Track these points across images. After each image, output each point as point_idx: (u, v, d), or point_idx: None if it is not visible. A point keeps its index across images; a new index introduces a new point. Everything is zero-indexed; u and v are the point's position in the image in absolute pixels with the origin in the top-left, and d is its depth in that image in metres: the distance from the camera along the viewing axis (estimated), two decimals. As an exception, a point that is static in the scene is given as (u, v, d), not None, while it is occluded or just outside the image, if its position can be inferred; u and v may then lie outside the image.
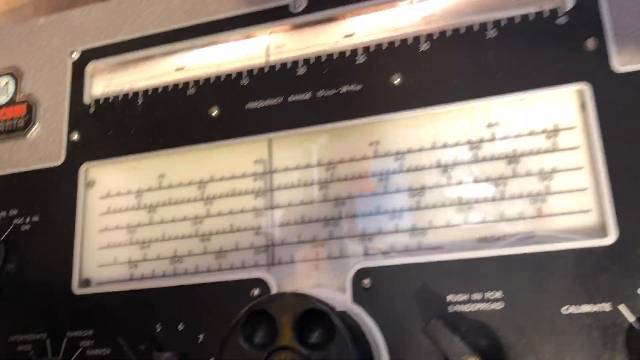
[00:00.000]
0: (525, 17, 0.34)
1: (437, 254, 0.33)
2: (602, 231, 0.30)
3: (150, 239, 0.39)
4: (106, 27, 0.43)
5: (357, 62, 0.36)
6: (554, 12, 0.33)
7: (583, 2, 0.33)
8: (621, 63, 0.32)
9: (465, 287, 0.31)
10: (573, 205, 0.32)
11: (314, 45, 0.38)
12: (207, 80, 0.39)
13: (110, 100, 0.41)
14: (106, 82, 0.42)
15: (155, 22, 0.42)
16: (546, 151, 0.33)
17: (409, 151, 0.35)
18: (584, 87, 0.32)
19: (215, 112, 0.38)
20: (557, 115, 0.33)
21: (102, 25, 0.43)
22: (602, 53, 0.32)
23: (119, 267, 0.39)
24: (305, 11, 0.38)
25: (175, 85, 0.40)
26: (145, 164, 0.40)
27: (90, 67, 0.43)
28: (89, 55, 0.43)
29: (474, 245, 0.33)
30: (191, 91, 0.40)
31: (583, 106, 0.32)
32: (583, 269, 0.30)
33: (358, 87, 0.36)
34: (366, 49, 0.36)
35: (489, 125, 0.34)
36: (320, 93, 0.37)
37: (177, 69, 0.41)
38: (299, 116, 0.37)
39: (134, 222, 0.40)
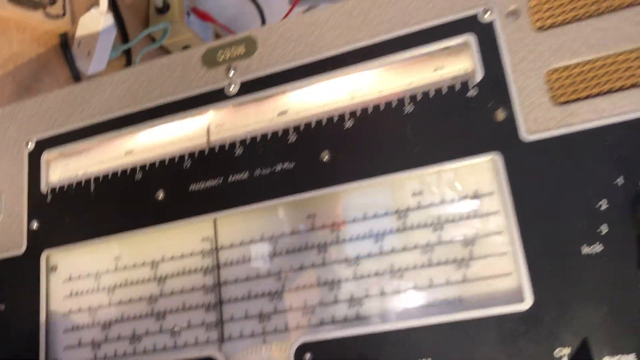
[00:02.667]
0: (438, 91, 0.36)
1: (372, 326, 0.34)
2: (521, 295, 0.32)
3: (111, 319, 0.41)
4: (58, 116, 0.45)
5: (289, 142, 0.38)
6: (464, 85, 0.35)
7: (491, 74, 0.35)
8: (528, 132, 0.33)
9: (398, 356, 0.33)
10: (495, 269, 0.33)
11: (251, 124, 0.40)
12: (153, 164, 0.41)
13: (65, 188, 0.43)
14: (61, 170, 0.45)
15: (103, 109, 0.44)
16: (468, 217, 0.34)
17: (343, 222, 0.37)
18: (496, 157, 0.34)
19: (161, 196, 0.40)
20: (477, 181, 0.35)
21: (54, 114, 0.45)
22: (511, 123, 0.34)
23: (83, 349, 0.41)
24: (239, 93, 0.40)
25: (124, 172, 0.42)
26: (101, 248, 0.42)
27: (45, 156, 0.45)
28: (43, 145, 0.45)
29: (408, 314, 0.34)
30: (138, 176, 0.42)
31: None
32: (505, 335, 0.31)
33: (291, 165, 0.38)
34: (296, 128, 0.38)
35: (414, 194, 0.36)
36: (257, 172, 0.39)
37: (127, 153, 0.43)
38: (239, 195, 0.39)
39: (94, 304, 0.42)
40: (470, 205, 0.34)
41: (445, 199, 0.35)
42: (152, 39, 0.89)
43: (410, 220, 0.35)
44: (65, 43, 0.72)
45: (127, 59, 0.82)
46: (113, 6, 0.80)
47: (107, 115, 0.44)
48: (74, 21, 0.72)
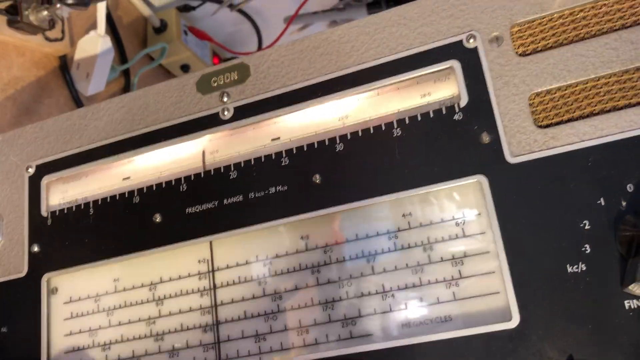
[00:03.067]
0: (426, 115, 0.37)
1: (366, 345, 0.35)
2: (509, 313, 0.33)
3: (110, 340, 0.42)
4: (57, 142, 0.46)
5: (282, 164, 0.39)
6: (450, 109, 0.36)
7: (476, 98, 0.36)
8: (512, 154, 0.34)
9: (390, 374, 0.34)
10: (484, 288, 0.34)
11: (245, 148, 0.41)
12: (150, 188, 0.42)
13: (65, 212, 0.45)
14: (61, 195, 0.46)
15: (100, 134, 0.45)
16: (456, 237, 0.35)
17: (336, 243, 0.38)
18: (481, 179, 0.35)
19: (158, 219, 0.41)
20: (465, 202, 0.36)
21: (53, 140, 0.47)
22: (496, 146, 0.35)
23: (83, 370, 0.42)
24: (234, 118, 0.41)
25: (122, 195, 0.43)
26: (101, 270, 0.43)
27: (45, 181, 0.46)
28: (43, 170, 0.46)
29: (399, 333, 0.35)
30: (136, 199, 0.43)
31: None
32: (493, 353, 0.32)
33: (284, 188, 0.39)
34: (289, 151, 0.39)
35: (404, 216, 0.37)
36: (251, 195, 0.40)
37: (124, 177, 0.44)
38: (234, 218, 0.40)
39: (94, 325, 0.42)
40: (458, 225, 0.35)
41: (434, 219, 0.36)
42: (150, 58, 0.91)
43: (401, 240, 0.36)
44: (64, 65, 0.73)
45: (126, 78, 0.84)
46: (111, 27, 0.82)
47: (105, 140, 0.45)
48: (73, 44, 0.73)
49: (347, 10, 0.83)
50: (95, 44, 0.71)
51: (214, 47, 0.98)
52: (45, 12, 0.65)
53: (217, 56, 0.99)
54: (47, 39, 0.69)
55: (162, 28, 0.90)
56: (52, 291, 0.44)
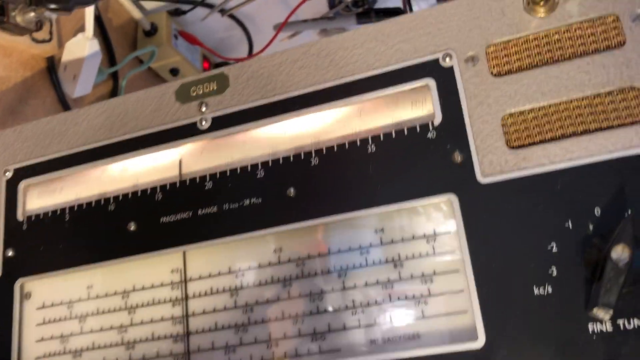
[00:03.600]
0: (400, 132, 0.37)
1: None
2: (475, 333, 0.33)
3: (82, 347, 0.42)
4: (36, 146, 0.46)
5: (257, 177, 0.40)
6: (424, 127, 0.36)
7: (449, 118, 0.36)
8: (483, 174, 0.35)
9: (356, 391, 0.34)
10: (452, 307, 0.34)
11: (222, 159, 0.41)
12: (126, 196, 0.42)
13: (41, 217, 0.44)
14: (37, 199, 0.46)
15: (80, 140, 0.45)
16: (427, 255, 0.36)
17: (308, 257, 0.38)
18: (452, 198, 0.35)
19: (133, 227, 0.41)
20: (436, 220, 0.36)
21: (32, 144, 0.47)
22: (467, 165, 0.35)
23: (53, 376, 0.42)
24: (211, 128, 0.41)
25: (98, 202, 0.43)
26: (74, 277, 0.43)
27: (22, 185, 0.46)
28: (21, 174, 0.46)
29: (368, 349, 0.35)
30: (111, 207, 0.43)
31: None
32: (459, 372, 0.32)
33: (259, 200, 0.39)
34: (265, 164, 0.40)
35: (376, 231, 0.37)
36: (225, 206, 0.40)
37: (101, 183, 0.44)
38: (208, 229, 0.40)
39: (66, 331, 0.42)
40: (429, 243, 0.36)
41: (405, 236, 0.36)
42: (140, 61, 0.91)
43: (372, 256, 0.37)
44: (51, 67, 0.73)
45: (114, 81, 0.84)
46: (101, 29, 0.82)
47: (83, 147, 0.45)
48: (61, 45, 0.73)
49: (337, 20, 0.83)
50: (83, 46, 0.71)
51: (205, 51, 0.98)
52: (32, 14, 0.65)
53: (207, 61, 0.99)
54: (35, 40, 0.69)
55: (152, 31, 0.90)
56: (26, 296, 0.44)
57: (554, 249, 0.32)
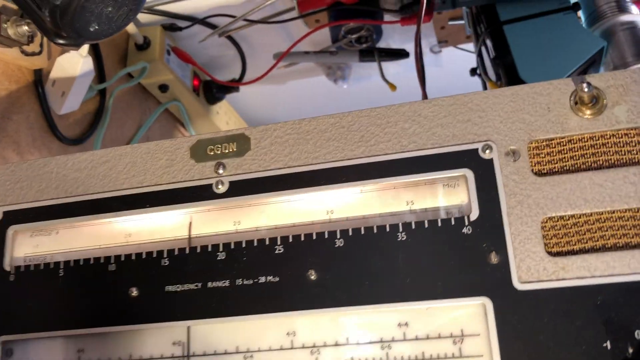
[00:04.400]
0: (433, 222, 0.35)
1: None
2: None
3: (67, 417, 0.39)
4: (30, 189, 0.43)
5: (276, 252, 0.37)
6: (460, 221, 0.35)
7: (487, 214, 0.35)
8: (520, 280, 0.33)
9: None
10: (476, 414, 0.33)
11: (237, 227, 0.39)
12: (129, 257, 0.39)
13: (32, 269, 0.41)
14: (28, 249, 0.42)
15: (79, 188, 0.42)
16: (453, 356, 0.34)
17: (324, 345, 0.36)
18: (486, 302, 0.33)
19: (134, 293, 0.39)
20: (464, 321, 0.34)
21: (26, 186, 0.43)
22: (504, 268, 0.34)
23: None
24: (228, 193, 0.39)
25: (97, 259, 0.40)
26: (64, 340, 0.40)
27: (12, 230, 0.42)
28: (11, 218, 0.42)
29: None
30: (112, 267, 0.40)
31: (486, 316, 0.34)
32: None
33: (276, 279, 0.37)
34: (284, 239, 0.37)
35: (400, 325, 0.35)
36: (238, 281, 0.37)
37: (101, 239, 0.41)
38: (217, 304, 0.37)
39: (50, 397, 0.39)
40: (456, 344, 0.34)
41: (430, 334, 0.35)
42: (129, 74, 0.87)
43: (394, 352, 0.35)
44: (39, 80, 0.69)
45: (101, 96, 0.80)
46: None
47: (84, 196, 0.41)
48: (50, 58, 0.69)
49: (340, 54, 0.82)
50: (75, 63, 0.67)
51: (196, 69, 0.94)
52: (25, 27, 0.61)
53: (197, 78, 0.96)
54: (24, 52, 0.65)
55: (144, 45, 0.86)
56: (7, 352, 0.41)
57: (590, 369, 0.31)
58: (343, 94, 1.07)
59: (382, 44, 0.87)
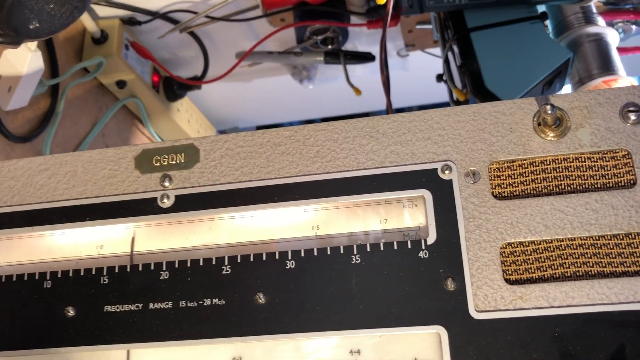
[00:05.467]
0: (389, 245, 0.34)
1: None
2: None
3: None
4: (-39, 197, 0.40)
5: (222, 273, 0.35)
6: (416, 244, 0.33)
7: (444, 238, 0.33)
8: (477, 308, 0.32)
9: None
10: None
11: (182, 245, 0.37)
12: (66, 273, 0.37)
13: (-41, 284, 0.38)
14: (-44, 261, 0.39)
15: (15, 198, 0.39)
16: (405, 386, 0.32)
17: (271, 371, 0.34)
18: (441, 331, 0.32)
19: (71, 313, 0.36)
20: (418, 350, 0.33)
21: (-44, 193, 0.40)
22: (460, 295, 0.32)
23: None
24: (173, 208, 0.37)
25: (31, 275, 0.37)
26: (-7, 360, 0.37)
27: (-60, 241, 0.39)
28: (-62, 227, 0.39)
29: None
30: (47, 284, 0.37)
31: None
32: None
33: (222, 302, 0.35)
34: (232, 259, 0.35)
35: (352, 353, 0.33)
36: (182, 303, 0.35)
37: (36, 253, 0.39)
38: (159, 327, 0.35)
39: (-23, 423, 0.36)
40: (409, 374, 0.32)
41: (383, 362, 0.33)
42: (85, 69, 0.83)
43: (344, 380, 0.33)
44: (-17, 74, 0.65)
45: (54, 92, 0.76)
46: (44, 35, 0.74)
47: (19, 207, 0.39)
48: (-3, 51, 0.65)
49: (305, 55, 0.79)
50: (23, 58, 0.63)
51: (156, 65, 0.91)
52: (-32, 19, 0.57)
53: (157, 74, 0.92)
54: (-33, 44, 0.61)
55: (102, 39, 0.83)
56: None
57: (547, 403, 0.30)
58: (309, 94, 1.05)
59: (349, 46, 0.85)
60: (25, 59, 0.62)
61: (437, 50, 0.87)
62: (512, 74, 0.59)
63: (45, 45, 0.74)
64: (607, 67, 0.57)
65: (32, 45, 0.63)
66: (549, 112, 0.32)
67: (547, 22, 0.63)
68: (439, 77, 0.77)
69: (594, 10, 0.62)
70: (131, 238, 0.38)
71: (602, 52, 0.61)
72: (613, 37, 0.61)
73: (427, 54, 0.89)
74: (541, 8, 0.61)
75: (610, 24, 0.74)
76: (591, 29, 0.60)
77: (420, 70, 0.90)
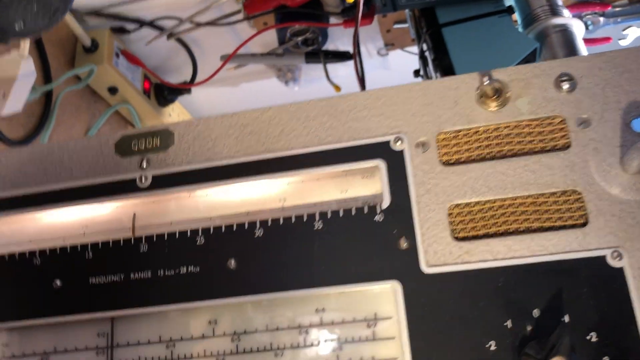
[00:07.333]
0: (348, 211, 0.37)
1: None
2: None
3: (-9, 412, 0.39)
4: (-44, 186, 0.43)
5: (197, 244, 0.38)
6: (372, 209, 0.36)
7: (397, 202, 0.36)
8: (427, 264, 0.35)
9: None
10: (388, 395, 0.34)
11: (160, 220, 0.40)
12: (53, 251, 0.40)
13: (-45, 264, 0.41)
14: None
15: (6, 183, 0.42)
16: (367, 339, 0.35)
17: (245, 332, 0.37)
18: (395, 285, 0.35)
19: (58, 285, 0.39)
20: (378, 305, 0.35)
21: (-48, 183, 0.43)
22: (413, 253, 0.35)
23: None
24: (151, 187, 0.40)
25: (22, 254, 0.40)
26: (-11, 333, 0.40)
27: (-63, 227, 0.42)
28: (-64, 213, 0.42)
29: None
30: (37, 261, 0.40)
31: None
32: None
33: (197, 269, 0.37)
34: (205, 230, 0.38)
35: (317, 311, 0.36)
36: (160, 272, 0.38)
37: (27, 234, 0.41)
38: (140, 295, 0.38)
39: (-25, 393, 0.39)
40: (370, 327, 0.35)
41: (346, 318, 0.36)
42: (77, 77, 0.87)
43: (311, 337, 0.36)
44: (-21, 82, 0.68)
45: (48, 99, 0.80)
46: (37, 42, 0.78)
47: (10, 192, 0.42)
48: (-9, 60, 0.69)
49: (286, 57, 0.83)
50: (16, 64, 0.67)
51: (146, 72, 0.95)
52: (-38, 28, 0.60)
53: (148, 81, 0.96)
54: (-37, 53, 0.65)
55: (92, 48, 0.86)
56: None
57: (492, 347, 0.33)
58: (295, 96, 1.08)
59: (330, 46, 0.89)
60: (18, 65, 0.66)
61: (415, 49, 0.90)
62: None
63: (38, 53, 0.77)
64: (572, 55, 0.60)
65: (24, 52, 0.66)
66: (486, 82, 0.35)
67: (516, 16, 0.66)
68: (416, 73, 0.80)
69: (560, 2, 0.65)
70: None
71: (568, 41, 0.64)
72: (578, 28, 0.64)
73: (406, 52, 0.92)
74: (509, 2, 0.64)
75: (579, 17, 0.78)
76: (557, 20, 0.63)
77: (401, 68, 0.94)
